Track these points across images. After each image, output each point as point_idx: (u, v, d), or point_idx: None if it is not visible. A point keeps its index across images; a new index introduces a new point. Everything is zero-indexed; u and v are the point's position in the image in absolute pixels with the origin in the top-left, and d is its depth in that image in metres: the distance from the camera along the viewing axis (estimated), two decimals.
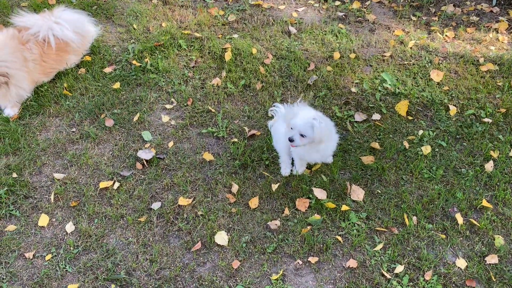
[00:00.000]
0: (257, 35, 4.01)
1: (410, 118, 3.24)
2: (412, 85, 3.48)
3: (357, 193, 2.77)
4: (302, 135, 2.50)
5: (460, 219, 2.61)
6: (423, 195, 2.76)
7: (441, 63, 3.68)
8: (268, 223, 2.62)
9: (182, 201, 2.74)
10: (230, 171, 2.91)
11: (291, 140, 2.52)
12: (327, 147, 2.70)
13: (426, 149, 3.00)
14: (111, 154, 3.05)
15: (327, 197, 2.72)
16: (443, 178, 2.85)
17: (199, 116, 3.30)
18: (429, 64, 3.68)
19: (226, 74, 3.60)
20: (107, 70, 3.68)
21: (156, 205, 2.73)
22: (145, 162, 2.96)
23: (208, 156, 2.99)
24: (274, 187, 2.77)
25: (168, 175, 2.91)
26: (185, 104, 3.39)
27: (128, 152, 3.05)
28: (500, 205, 2.69)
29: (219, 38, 3.97)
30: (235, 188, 2.79)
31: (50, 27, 3.43)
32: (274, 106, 3.15)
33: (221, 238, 2.56)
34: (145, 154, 2.99)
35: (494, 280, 2.35)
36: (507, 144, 3.03)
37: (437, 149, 3.02)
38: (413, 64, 3.67)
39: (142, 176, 2.91)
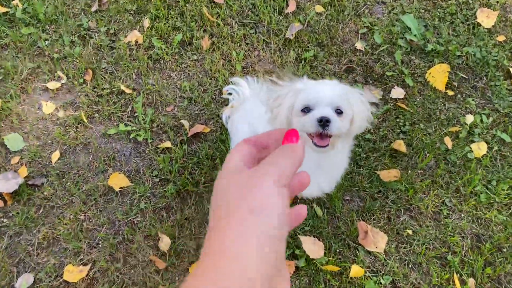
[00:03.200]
0: None
1: (450, 93, 2.02)
2: (449, 34, 2.21)
3: (376, 238, 1.64)
4: (338, 112, 1.19)
5: None
6: (481, 237, 1.65)
7: None
8: None
9: (70, 272, 1.54)
10: (158, 206, 1.70)
11: (325, 123, 1.12)
12: (341, 158, 1.44)
13: (479, 148, 1.85)
14: None
15: (325, 252, 1.58)
16: (509, 201, 1.73)
17: (104, 102, 1.96)
18: None
19: (151, 23, 2.20)
20: None
21: (25, 282, 1.53)
22: (7, 197, 1.70)
23: (118, 180, 1.74)
24: None
25: (49, 218, 1.67)
26: (82, 80, 2.02)
27: None
28: None
29: None
30: (165, 243, 1.60)
31: None
32: (231, 82, 1.88)
33: None
34: (7, 182, 1.71)
35: None
36: None
37: (496, 147, 1.87)
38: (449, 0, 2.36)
39: (4, 220, 1.67)
